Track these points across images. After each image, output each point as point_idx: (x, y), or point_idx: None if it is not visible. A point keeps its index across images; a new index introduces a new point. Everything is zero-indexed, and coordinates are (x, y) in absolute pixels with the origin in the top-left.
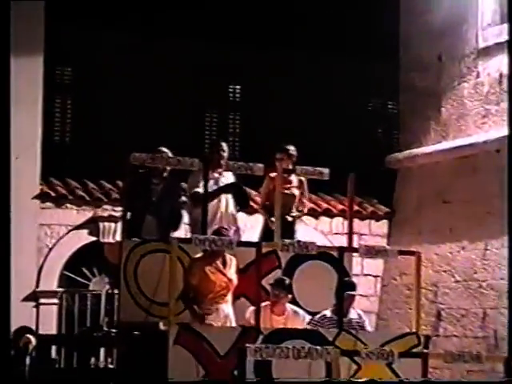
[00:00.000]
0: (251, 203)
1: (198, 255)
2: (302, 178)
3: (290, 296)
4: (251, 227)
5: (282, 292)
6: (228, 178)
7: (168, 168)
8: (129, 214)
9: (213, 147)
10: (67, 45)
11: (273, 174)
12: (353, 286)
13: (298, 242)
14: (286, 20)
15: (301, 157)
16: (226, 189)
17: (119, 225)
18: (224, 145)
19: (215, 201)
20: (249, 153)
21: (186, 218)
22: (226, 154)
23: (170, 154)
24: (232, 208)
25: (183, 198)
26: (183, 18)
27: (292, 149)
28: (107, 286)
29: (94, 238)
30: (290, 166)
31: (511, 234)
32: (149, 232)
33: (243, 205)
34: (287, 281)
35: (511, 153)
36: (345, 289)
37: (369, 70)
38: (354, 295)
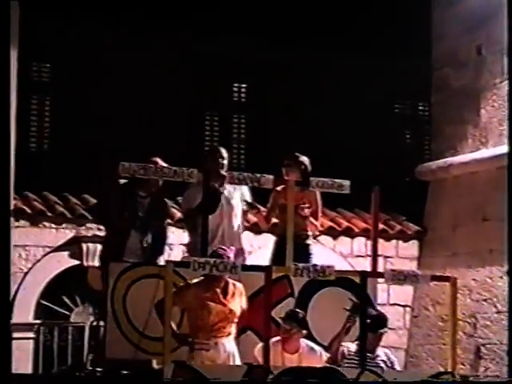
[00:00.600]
0: (257, 221)
1: (195, 280)
2: (316, 191)
3: (304, 331)
4: (259, 248)
5: (294, 327)
6: (230, 191)
7: (160, 181)
8: (104, 231)
9: (210, 155)
10: (45, 38)
11: (281, 187)
12: (383, 322)
13: (314, 265)
14: (301, 12)
15: (317, 167)
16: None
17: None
18: (223, 151)
19: (216, 217)
20: (256, 162)
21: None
22: (225, 162)
23: (164, 165)
24: (236, 225)
25: (167, 220)
26: (178, 7)
27: (303, 158)
28: (91, 318)
29: (76, 262)
30: (300, 178)
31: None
32: (132, 252)
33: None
34: (301, 314)
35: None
36: (374, 323)
37: (396, 67)
38: (382, 332)
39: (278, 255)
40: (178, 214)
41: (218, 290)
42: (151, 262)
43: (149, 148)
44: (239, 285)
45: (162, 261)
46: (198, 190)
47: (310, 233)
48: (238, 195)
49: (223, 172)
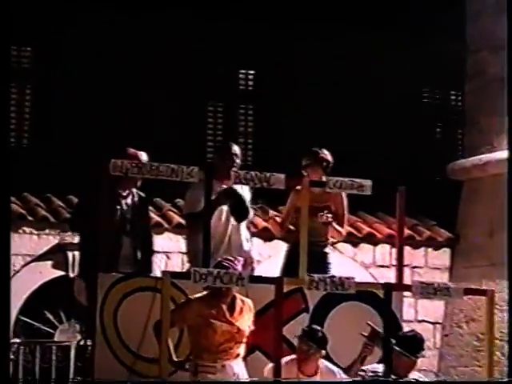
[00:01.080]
0: (269, 226)
1: (198, 295)
2: (342, 193)
3: (323, 352)
4: (269, 257)
5: (312, 347)
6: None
7: (139, 182)
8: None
9: (222, 152)
10: (27, 19)
11: (299, 188)
12: (420, 344)
13: (331, 277)
14: None
15: (335, 165)
16: (221, 199)
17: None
18: (237, 149)
19: (221, 223)
20: (265, 158)
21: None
22: (239, 161)
23: (145, 158)
24: (244, 233)
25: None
26: None
27: (325, 153)
28: (78, 336)
29: (60, 273)
30: (323, 177)
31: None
32: (126, 260)
33: (239, 217)
34: (320, 332)
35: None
36: (409, 346)
37: (425, 51)
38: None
39: (291, 265)
40: (177, 219)
41: (224, 307)
42: (145, 273)
43: (143, 142)
44: (248, 301)
45: (157, 271)
46: (199, 192)
47: (329, 240)
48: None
49: (233, 172)
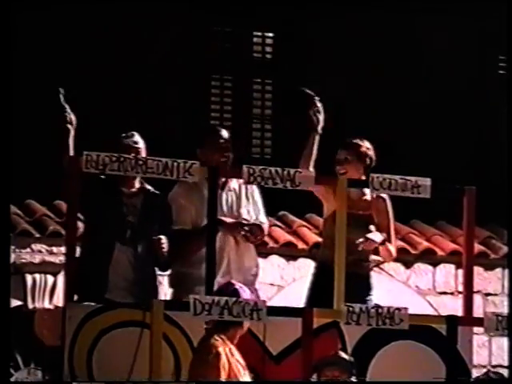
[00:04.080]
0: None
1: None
2: (384, 196)
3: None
4: (294, 281)
5: (343, 373)
6: (241, 194)
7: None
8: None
9: (206, 140)
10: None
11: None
12: None
13: (377, 307)
14: None
15: (380, 161)
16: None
17: (60, 277)
18: (225, 133)
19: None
20: (289, 151)
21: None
22: (230, 154)
23: (141, 145)
24: (253, 251)
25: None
26: None
27: (368, 146)
28: None
29: (16, 302)
30: (363, 176)
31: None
32: (121, 279)
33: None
34: (347, 358)
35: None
36: None
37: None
38: None
39: (319, 292)
40: None
41: (234, 350)
42: (129, 303)
43: (134, 129)
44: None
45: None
46: (190, 196)
47: (371, 258)
48: (247, 206)
49: (228, 164)
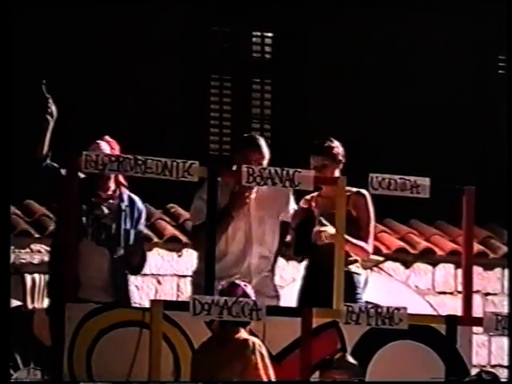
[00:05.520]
0: None
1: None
2: (364, 192)
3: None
4: (293, 281)
5: (344, 373)
6: (266, 193)
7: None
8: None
9: (245, 146)
10: None
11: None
12: None
13: (376, 307)
14: None
15: (374, 160)
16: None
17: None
18: (264, 144)
19: (240, 238)
20: (288, 150)
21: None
22: (267, 158)
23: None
24: (269, 254)
25: (142, 228)
26: None
27: (336, 145)
28: None
29: (16, 303)
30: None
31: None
32: (97, 282)
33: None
34: (354, 362)
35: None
36: None
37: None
38: None
39: (310, 291)
40: (170, 230)
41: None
42: (126, 303)
43: (128, 132)
44: (258, 344)
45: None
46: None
47: (355, 257)
48: (278, 202)
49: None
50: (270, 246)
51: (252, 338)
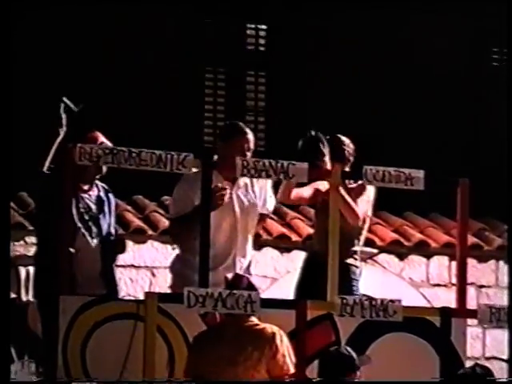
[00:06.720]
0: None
1: (201, 330)
2: (370, 186)
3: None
4: (288, 273)
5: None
6: (247, 188)
7: (104, 169)
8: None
9: (230, 137)
10: None
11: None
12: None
13: (370, 299)
14: None
15: (371, 153)
16: None
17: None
18: (250, 133)
19: (225, 230)
20: (282, 143)
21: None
22: (252, 148)
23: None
24: (251, 242)
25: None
26: None
27: (344, 139)
28: (34, 379)
29: (11, 295)
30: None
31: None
32: (92, 274)
33: None
34: (347, 350)
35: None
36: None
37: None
38: None
39: (309, 283)
40: (164, 223)
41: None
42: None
43: (122, 124)
44: (268, 327)
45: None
46: (194, 185)
47: (354, 249)
48: (258, 194)
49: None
50: (251, 238)
51: (272, 326)
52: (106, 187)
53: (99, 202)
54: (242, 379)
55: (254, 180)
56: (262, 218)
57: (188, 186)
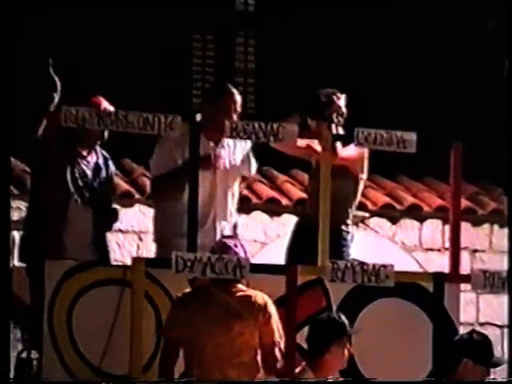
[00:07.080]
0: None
1: (186, 291)
2: (364, 149)
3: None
4: (278, 237)
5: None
6: (230, 149)
7: (105, 131)
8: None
9: (216, 97)
10: None
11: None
12: (489, 348)
13: (362, 264)
14: None
15: (360, 115)
16: None
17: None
18: (236, 94)
19: (205, 191)
20: (272, 105)
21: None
22: (238, 109)
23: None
24: (231, 202)
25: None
26: None
27: (341, 97)
28: (19, 346)
29: None
30: (340, 129)
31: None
32: (81, 240)
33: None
34: (339, 316)
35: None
36: (477, 352)
37: None
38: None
39: (299, 247)
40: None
41: (219, 308)
42: (104, 261)
43: (110, 86)
44: (259, 295)
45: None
46: (173, 146)
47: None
48: (239, 155)
49: (229, 123)
50: (232, 201)
51: (263, 294)
52: (107, 155)
53: (96, 168)
54: (241, 379)
55: (237, 141)
56: (243, 180)
57: (171, 145)
